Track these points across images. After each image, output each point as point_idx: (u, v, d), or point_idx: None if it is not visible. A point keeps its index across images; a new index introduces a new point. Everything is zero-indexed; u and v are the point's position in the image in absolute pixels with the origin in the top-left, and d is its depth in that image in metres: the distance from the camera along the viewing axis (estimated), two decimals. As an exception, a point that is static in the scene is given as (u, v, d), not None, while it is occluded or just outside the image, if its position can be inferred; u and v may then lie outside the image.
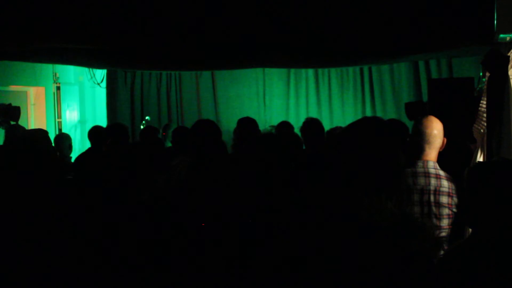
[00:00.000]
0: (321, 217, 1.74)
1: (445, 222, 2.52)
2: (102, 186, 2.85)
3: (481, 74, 5.00)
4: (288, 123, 5.56)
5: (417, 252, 1.41)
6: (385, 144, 2.64)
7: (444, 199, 2.54)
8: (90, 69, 8.16)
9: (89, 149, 4.85)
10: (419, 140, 2.65)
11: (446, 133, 2.72)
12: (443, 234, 2.51)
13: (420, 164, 2.61)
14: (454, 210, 2.54)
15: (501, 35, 3.26)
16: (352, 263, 1.43)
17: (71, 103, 8.25)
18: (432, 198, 2.54)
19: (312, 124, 4.68)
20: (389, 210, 1.47)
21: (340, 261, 1.45)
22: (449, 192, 2.55)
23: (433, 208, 2.53)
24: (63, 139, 5.36)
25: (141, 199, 2.68)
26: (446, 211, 2.53)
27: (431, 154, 2.64)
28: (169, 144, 5.33)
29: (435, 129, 2.65)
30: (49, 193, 2.52)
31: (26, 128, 6.04)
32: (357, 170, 2.55)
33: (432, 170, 2.60)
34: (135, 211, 2.56)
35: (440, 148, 2.68)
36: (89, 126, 7.05)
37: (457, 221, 2.55)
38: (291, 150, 3.55)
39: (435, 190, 2.55)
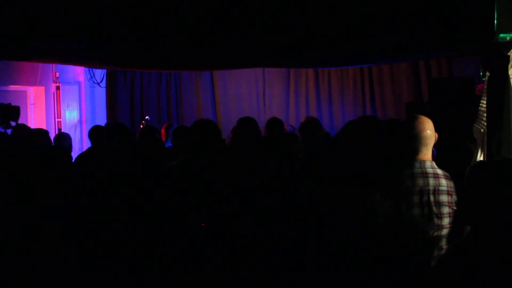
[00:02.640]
0: (321, 216, 1.74)
1: (446, 221, 2.52)
2: (102, 185, 2.85)
3: (481, 74, 5.00)
4: (277, 120, 5.19)
5: (415, 252, 1.41)
6: (383, 143, 2.65)
7: (444, 198, 2.54)
8: (90, 69, 8.15)
9: (89, 149, 4.86)
10: (414, 143, 2.63)
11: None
12: (445, 232, 2.51)
13: (417, 165, 2.60)
14: (454, 208, 2.54)
15: (501, 35, 3.26)
16: (350, 263, 1.43)
17: (71, 103, 8.25)
18: (431, 198, 2.53)
19: (311, 124, 4.67)
20: (387, 211, 1.48)
21: (339, 260, 1.45)
22: (448, 191, 2.55)
23: (434, 208, 2.52)
24: (63, 139, 5.36)
25: (142, 199, 2.68)
26: (446, 209, 2.53)
27: (428, 154, 2.64)
28: (169, 144, 5.33)
29: (428, 129, 2.63)
30: (51, 193, 2.52)
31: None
32: (355, 168, 2.55)
33: (429, 170, 2.59)
34: (135, 211, 2.56)
35: (434, 142, 2.67)
36: (89, 126, 7.06)
37: (457, 219, 2.55)
38: (290, 150, 3.56)
39: (434, 190, 2.54)
